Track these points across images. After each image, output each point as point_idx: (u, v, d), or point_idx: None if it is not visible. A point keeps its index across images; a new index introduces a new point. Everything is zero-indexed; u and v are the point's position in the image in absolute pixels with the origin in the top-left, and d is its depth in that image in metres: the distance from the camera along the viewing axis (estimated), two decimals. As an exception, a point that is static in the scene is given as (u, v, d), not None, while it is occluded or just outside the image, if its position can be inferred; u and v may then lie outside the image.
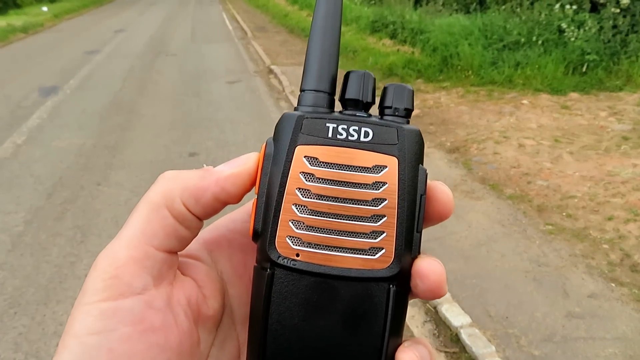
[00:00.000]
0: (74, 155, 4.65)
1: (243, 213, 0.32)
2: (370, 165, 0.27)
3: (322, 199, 0.26)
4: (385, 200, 0.26)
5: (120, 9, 20.26)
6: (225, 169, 0.28)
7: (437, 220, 0.29)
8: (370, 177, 0.27)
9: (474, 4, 8.06)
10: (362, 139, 0.27)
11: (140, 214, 0.27)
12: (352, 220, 0.26)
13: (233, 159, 0.29)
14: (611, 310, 2.52)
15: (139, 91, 7.07)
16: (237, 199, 0.29)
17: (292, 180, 0.27)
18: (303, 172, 0.27)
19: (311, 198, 0.26)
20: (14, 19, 15.57)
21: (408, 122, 0.29)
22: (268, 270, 0.27)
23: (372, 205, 0.26)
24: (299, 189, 0.27)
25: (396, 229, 0.26)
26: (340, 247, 0.26)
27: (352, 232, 0.26)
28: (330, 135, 0.27)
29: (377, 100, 0.30)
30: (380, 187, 0.27)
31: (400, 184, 0.27)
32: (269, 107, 6.13)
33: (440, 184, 0.29)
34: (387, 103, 0.29)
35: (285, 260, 0.26)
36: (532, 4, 7.24)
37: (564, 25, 6.54)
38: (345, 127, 0.27)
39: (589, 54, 6.11)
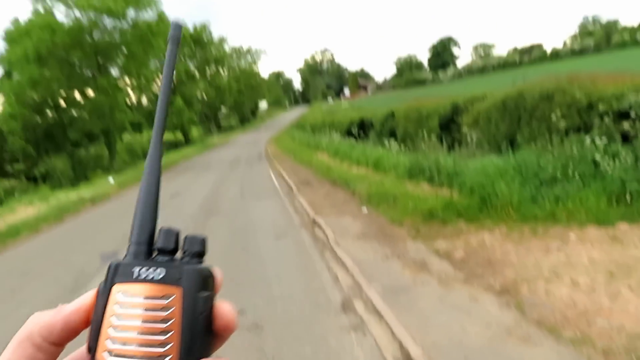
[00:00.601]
0: (129, 319, 4.80)
1: None
2: (160, 295, 0.38)
3: (128, 321, 0.38)
4: (172, 319, 0.38)
5: (178, 174, 22.08)
6: (70, 306, 0.40)
7: (225, 332, 0.40)
8: (160, 304, 0.38)
9: (504, 144, 8.39)
10: (157, 277, 0.39)
11: (9, 347, 0.39)
12: (148, 336, 0.37)
13: (79, 297, 0.41)
14: None
15: (192, 251, 7.43)
16: (83, 326, 0.40)
17: (109, 309, 0.38)
18: (116, 303, 0.38)
19: (121, 321, 0.38)
20: (84, 191, 17.24)
21: (200, 262, 0.42)
22: None
23: (162, 324, 0.38)
24: (113, 315, 0.38)
25: (180, 340, 0.37)
26: (140, 357, 0.37)
27: (148, 344, 0.37)
28: (135, 276, 0.39)
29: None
30: (168, 310, 0.38)
31: (183, 307, 0.38)
32: (314, 259, 6.27)
33: (223, 304, 0.40)
34: (184, 248, 0.42)
35: None
36: (562, 140, 7.49)
37: (598, 158, 6.65)
38: (146, 268, 0.40)
39: (629, 183, 6.10)
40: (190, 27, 44.27)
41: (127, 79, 29.06)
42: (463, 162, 8.21)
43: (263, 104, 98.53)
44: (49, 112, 25.84)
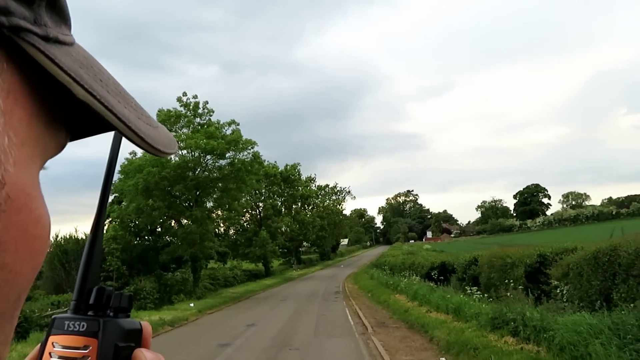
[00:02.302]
0: None
1: None
2: (81, 345, 0.45)
3: None
4: None
5: (255, 304, 22.28)
6: (28, 357, 0.48)
7: None
8: (80, 353, 0.45)
9: (599, 301, 7.80)
10: (80, 329, 0.46)
11: None
12: None
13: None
14: None
15: (261, 385, 7.27)
16: None
17: (45, 355, 0.45)
18: (49, 352, 0.45)
19: None
20: (165, 314, 17.82)
21: (126, 316, 0.48)
22: None
23: None
24: None
25: None
26: None
27: None
28: (65, 328, 0.46)
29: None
30: (87, 358, 0.44)
31: (98, 356, 0.44)
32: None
33: (142, 354, 0.46)
34: (111, 304, 0.48)
35: None
36: (665, 301, 6.85)
37: None
38: (73, 322, 0.46)
39: None
40: (282, 166, 47.69)
41: (219, 211, 31.23)
42: (551, 317, 7.67)
43: (344, 241, 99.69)
44: (145, 236, 28.05)
